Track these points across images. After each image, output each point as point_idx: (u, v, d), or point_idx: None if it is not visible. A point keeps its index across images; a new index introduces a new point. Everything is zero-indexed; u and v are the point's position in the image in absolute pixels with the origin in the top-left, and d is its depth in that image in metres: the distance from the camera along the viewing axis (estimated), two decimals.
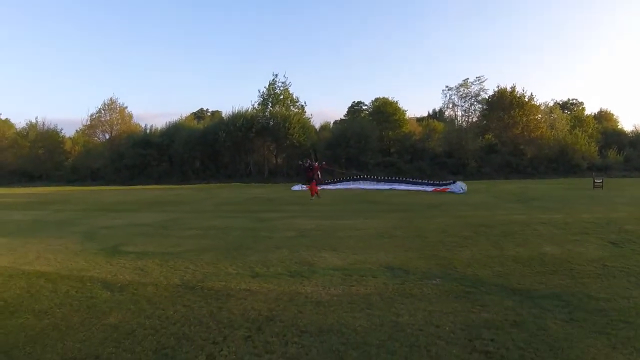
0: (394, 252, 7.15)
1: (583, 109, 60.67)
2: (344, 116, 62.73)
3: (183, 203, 18.76)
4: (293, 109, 47.28)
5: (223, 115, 50.73)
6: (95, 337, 3.92)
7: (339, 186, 26.08)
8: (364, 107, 63.32)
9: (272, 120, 44.48)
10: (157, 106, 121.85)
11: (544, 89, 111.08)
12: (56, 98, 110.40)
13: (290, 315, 4.18)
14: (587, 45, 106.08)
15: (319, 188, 20.61)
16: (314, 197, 19.21)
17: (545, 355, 3.24)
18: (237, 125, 42.54)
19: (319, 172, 20.46)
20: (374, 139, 43.45)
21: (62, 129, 58.97)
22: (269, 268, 6.17)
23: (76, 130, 59.42)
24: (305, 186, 22.83)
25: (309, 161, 20.70)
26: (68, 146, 57.98)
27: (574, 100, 65.85)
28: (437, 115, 58.27)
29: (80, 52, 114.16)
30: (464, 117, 47.19)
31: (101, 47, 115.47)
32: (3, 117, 61.93)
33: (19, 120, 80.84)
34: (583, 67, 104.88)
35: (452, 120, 48.57)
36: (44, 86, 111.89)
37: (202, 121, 61.41)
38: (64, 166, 55.54)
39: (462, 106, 47.44)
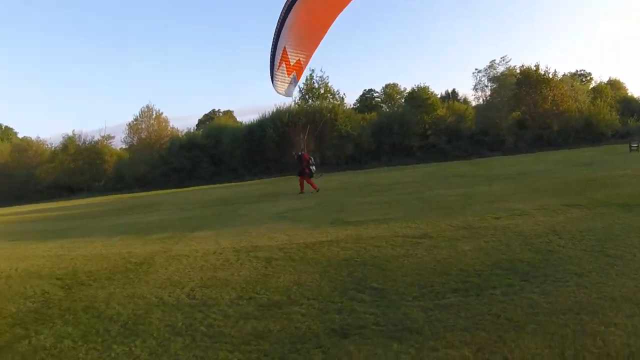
0: (559, 196, 11.29)
1: (591, 79, 66.34)
2: (355, 103, 66.49)
3: (294, 193, 21.00)
4: (332, 101, 51.93)
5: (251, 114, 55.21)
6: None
7: None
8: (375, 95, 69.20)
9: (317, 113, 48.08)
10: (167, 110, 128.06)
11: (553, 62, 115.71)
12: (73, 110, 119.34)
13: (534, 229, 8.61)
14: (589, 14, 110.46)
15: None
16: (316, 191, 19.55)
17: None
18: (284, 120, 47.18)
19: (311, 166, 20.19)
20: (414, 123, 48.28)
21: (101, 140, 62.43)
22: (484, 216, 9.41)
23: (93, 139, 62.11)
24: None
25: (300, 152, 20.38)
26: (106, 156, 61.09)
27: (582, 71, 70.60)
28: (450, 96, 62.32)
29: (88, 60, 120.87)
30: (494, 97, 51.86)
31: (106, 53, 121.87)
32: (34, 136, 66.12)
33: (49, 136, 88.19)
34: (588, 37, 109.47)
35: (483, 100, 53.83)
36: (56, 98, 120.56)
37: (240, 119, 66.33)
38: (105, 176, 59.03)
39: (491, 86, 52.55)
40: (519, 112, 49.71)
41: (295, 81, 15.43)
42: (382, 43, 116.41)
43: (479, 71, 53.46)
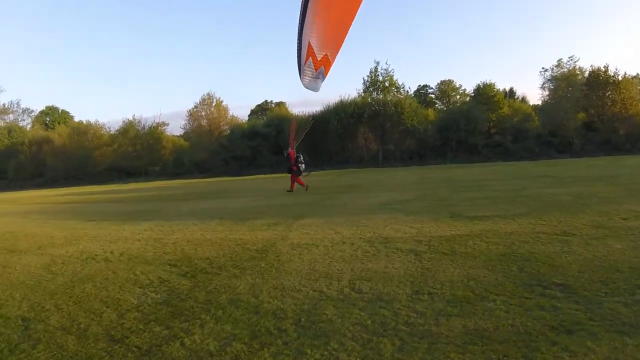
0: None
1: None
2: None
3: (379, 185, 23.30)
4: (397, 95, 53.13)
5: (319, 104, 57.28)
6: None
7: None
8: (429, 90, 70.99)
9: (383, 106, 50.09)
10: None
11: (617, 61, 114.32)
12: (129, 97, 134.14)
13: None
14: None
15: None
16: (294, 190, 20.11)
17: None
18: (349, 112, 48.72)
19: (299, 164, 20.39)
20: (481, 121, 49.34)
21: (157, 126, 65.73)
22: (610, 217, 9.72)
23: (153, 124, 66.07)
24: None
25: (287, 150, 20.72)
26: (165, 142, 64.60)
27: None
28: (507, 94, 62.62)
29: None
30: (561, 97, 51.89)
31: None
32: (92, 120, 71.05)
33: (107, 120, 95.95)
34: None
35: (550, 100, 53.85)
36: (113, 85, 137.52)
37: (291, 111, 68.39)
38: (162, 161, 62.29)
39: (558, 85, 52.79)
40: (586, 114, 50.02)
41: (323, 75, 14.70)
42: (438, 37, 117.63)
43: (546, 70, 54.04)
